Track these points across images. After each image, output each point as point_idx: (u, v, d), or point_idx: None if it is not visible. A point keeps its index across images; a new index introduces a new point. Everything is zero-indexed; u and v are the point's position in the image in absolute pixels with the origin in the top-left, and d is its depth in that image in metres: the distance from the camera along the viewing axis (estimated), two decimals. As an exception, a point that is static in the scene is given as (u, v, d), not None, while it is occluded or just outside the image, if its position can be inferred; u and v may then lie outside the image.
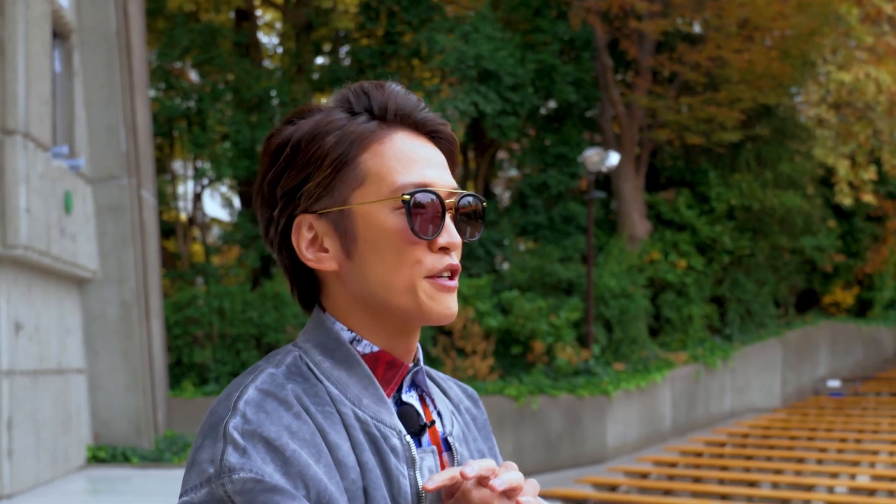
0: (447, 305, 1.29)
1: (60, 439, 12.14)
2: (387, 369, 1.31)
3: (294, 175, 1.29)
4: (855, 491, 13.61)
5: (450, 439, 1.36)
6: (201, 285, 19.14)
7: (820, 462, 15.50)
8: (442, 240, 1.28)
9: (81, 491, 11.62)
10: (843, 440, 16.88)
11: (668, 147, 22.61)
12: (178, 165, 22.44)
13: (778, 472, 14.95)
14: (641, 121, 21.45)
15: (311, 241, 1.30)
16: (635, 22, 20.19)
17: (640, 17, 20.39)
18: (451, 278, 1.29)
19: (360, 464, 1.23)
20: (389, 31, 20.40)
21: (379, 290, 1.28)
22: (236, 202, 22.93)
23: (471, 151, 23.03)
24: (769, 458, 15.90)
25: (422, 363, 1.37)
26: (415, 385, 1.36)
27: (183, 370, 17.07)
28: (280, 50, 23.81)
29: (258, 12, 24.06)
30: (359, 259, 1.28)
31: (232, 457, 1.15)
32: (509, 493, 1.23)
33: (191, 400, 16.28)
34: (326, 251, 1.29)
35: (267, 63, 23.06)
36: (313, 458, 1.18)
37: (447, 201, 1.29)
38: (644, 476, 14.71)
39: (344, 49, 22.61)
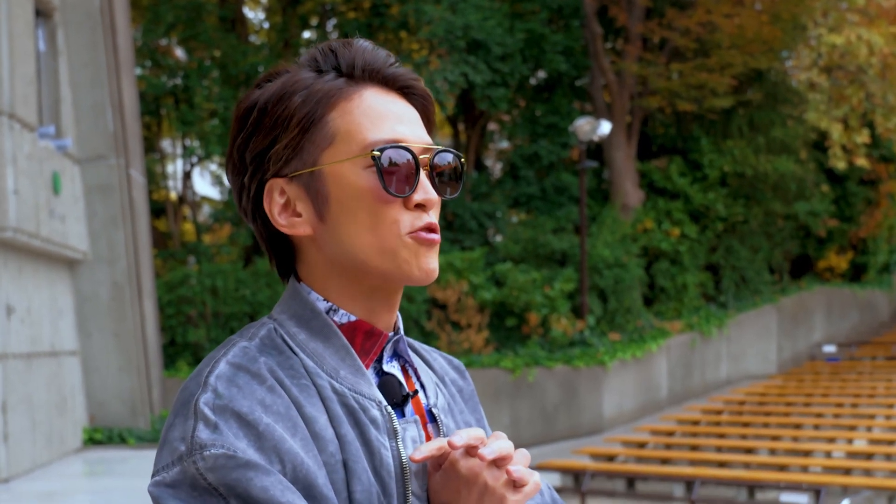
0: (428, 261, 1.24)
1: (56, 422, 12.08)
2: (365, 339, 1.27)
3: (261, 139, 1.24)
4: (852, 455, 13.63)
5: (434, 410, 1.32)
6: (193, 264, 19.04)
7: (817, 427, 15.52)
8: (417, 196, 1.23)
9: (78, 473, 11.57)
10: (839, 405, 16.90)
11: (660, 114, 22.50)
12: (166, 144, 22.28)
13: (775, 438, 14.96)
14: (632, 88, 21.32)
15: (283, 206, 1.25)
16: (624, -12, 20.05)
17: (630, -17, 20.23)
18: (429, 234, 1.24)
19: (339, 436, 1.18)
20: (376, 3, 20.21)
21: (355, 252, 1.23)
22: (226, 180, 22.79)
23: (461, 123, 22.90)
24: (766, 425, 15.91)
25: (402, 332, 1.32)
26: (397, 355, 1.32)
27: (177, 350, 17.00)
28: (266, 25, 23.60)
29: (243, -13, 23.82)
30: (332, 222, 1.23)
31: (203, 433, 1.11)
32: (498, 463, 1.19)
33: (185, 379, 16.22)
34: (299, 216, 1.25)
35: (253, 38, 22.86)
36: (289, 432, 1.13)
37: (421, 157, 1.24)
38: (641, 446, 14.71)
39: (331, 22, 22.40)
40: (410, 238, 1.22)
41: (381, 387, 1.27)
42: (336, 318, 1.26)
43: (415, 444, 1.25)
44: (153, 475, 1.15)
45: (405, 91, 1.30)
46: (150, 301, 14.86)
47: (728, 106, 21.25)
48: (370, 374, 1.27)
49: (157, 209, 20.33)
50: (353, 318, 1.26)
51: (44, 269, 12.10)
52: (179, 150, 21.33)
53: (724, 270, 22.20)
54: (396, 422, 1.24)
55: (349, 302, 1.26)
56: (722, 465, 13.14)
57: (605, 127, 18.12)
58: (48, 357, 12.03)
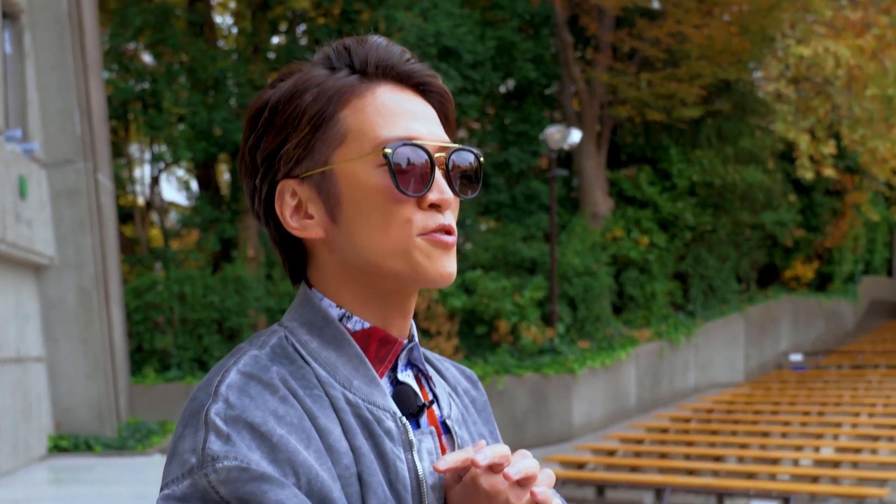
0: (444, 264, 1.19)
1: (21, 429, 11.90)
2: (380, 346, 1.22)
3: (272, 138, 1.20)
4: (819, 463, 13.70)
5: (448, 422, 1.27)
6: (160, 270, 18.89)
7: (784, 435, 15.61)
8: (432, 196, 1.18)
9: (43, 481, 11.41)
10: (806, 413, 17.01)
11: (629, 124, 22.59)
12: (133, 149, 22.11)
13: (743, 446, 15.03)
14: (602, 97, 21.40)
15: (294, 207, 1.21)
16: (595, -2, 20.12)
17: (600, -7, 20.30)
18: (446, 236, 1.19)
19: (353, 449, 1.14)
20: (346, 8, 20.18)
21: (368, 254, 1.18)
22: (194, 185, 22.62)
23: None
24: (734, 433, 15.99)
25: (416, 339, 1.28)
26: (411, 364, 1.27)
27: (144, 356, 16.85)
28: (235, 30, 23.48)
29: (213, -8, 23.69)
30: (345, 223, 1.19)
31: (215, 444, 1.06)
32: (523, 483, 1.15)
33: (153, 386, 16.07)
34: (311, 217, 1.21)
35: (222, 43, 22.73)
36: (302, 444, 1.09)
37: (437, 156, 1.19)
38: (611, 453, 14.72)
39: (301, 28, 22.33)
40: (423, 240, 1.18)
41: (395, 396, 1.22)
42: (349, 326, 1.22)
43: (431, 457, 1.21)
44: (162, 488, 1.10)
45: (421, 88, 1.25)
46: (118, 307, 14.70)
47: (697, 116, 21.38)
48: (385, 383, 1.23)
49: (125, 214, 20.16)
50: (366, 325, 1.22)
51: (10, 274, 11.94)
52: (147, 156, 21.16)
53: (692, 279, 22.31)
54: (412, 433, 1.19)
55: (362, 308, 1.22)
56: (691, 472, 13.17)
57: (576, 135, 18.16)
58: (13, 363, 11.86)
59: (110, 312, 13.91)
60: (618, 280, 20.99)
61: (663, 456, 14.53)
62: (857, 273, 28.24)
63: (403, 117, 1.20)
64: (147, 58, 21.49)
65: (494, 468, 1.15)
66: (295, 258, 1.26)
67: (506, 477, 1.13)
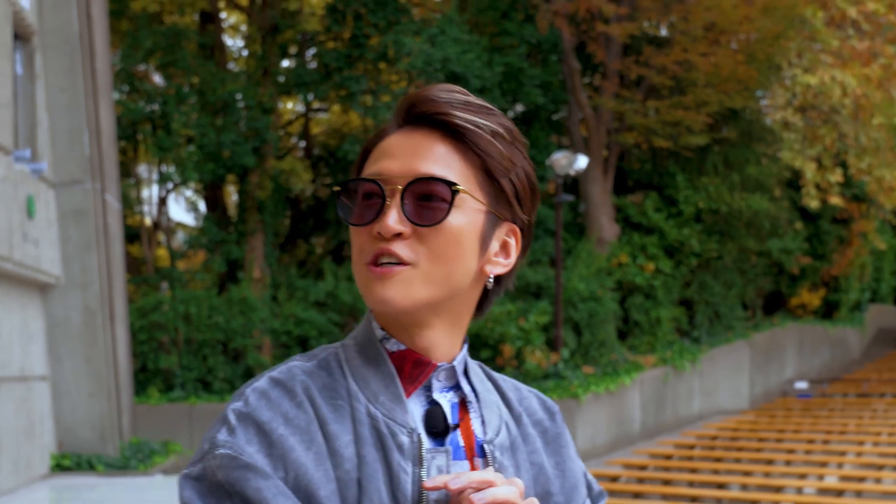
0: (376, 292, 1.25)
1: (23, 447, 11.93)
2: (413, 367, 1.31)
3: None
4: (823, 492, 13.65)
5: (486, 446, 1.32)
6: (166, 290, 18.94)
7: (788, 463, 15.55)
8: (376, 227, 1.24)
9: (45, 500, 11.43)
10: (810, 441, 16.95)
11: (636, 150, 22.64)
12: (142, 169, 22.22)
13: (747, 473, 14.98)
14: (609, 124, 21.47)
15: None
16: (602, 25, 20.21)
17: (608, 20, 20.41)
18: (381, 264, 1.24)
19: (359, 456, 1.23)
20: (356, 33, 20.28)
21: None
22: (202, 206, 22.72)
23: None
24: (738, 460, 15.93)
25: (456, 362, 1.33)
26: (455, 388, 1.34)
27: (148, 376, 16.86)
28: (245, 53, 23.64)
29: (223, 14, 23.88)
30: None
31: (221, 435, 1.22)
32: None
33: (156, 406, 16.08)
34: None
35: (232, 66, 22.88)
36: (303, 445, 1.21)
37: (389, 187, 1.25)
38: (614, 479, 14.68)
39: (310, 52, 22.47)
40: (364, 268, 1.26)
41: (426, 415, 1.30)
42: (388, 346, 1.31)
43: (440, 473, 1.27)
44: (185, 467, 1.26)
45: (449, 128, 1.28)
46: (123, 326, 14.76)
47: (703, 143, 21.42)
48: (419, 400, 1.31)
49: (132, 234, 20.24)
50: (402, 348, 1.30)
51: (15, 292, 12.00)
52: (155, 176, 21.27)
53: (697, 305, 22.29)
54: (424, 449, 1.26)
55: (394, 331, 1.31)
56: (694, 500, 13.13)
57: (582, 161, 18.21)
58: (17, 382, 11.90)
59: (115, 332, 13.96)
60: (623, 306, 20.98)
61: (667, 483, 14.48)
62: (864, 301, 28.19)
63: (383, 157, 1.28)
64: (157, 79, 21.63)
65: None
66: None
67: (469, 502, 1.18)
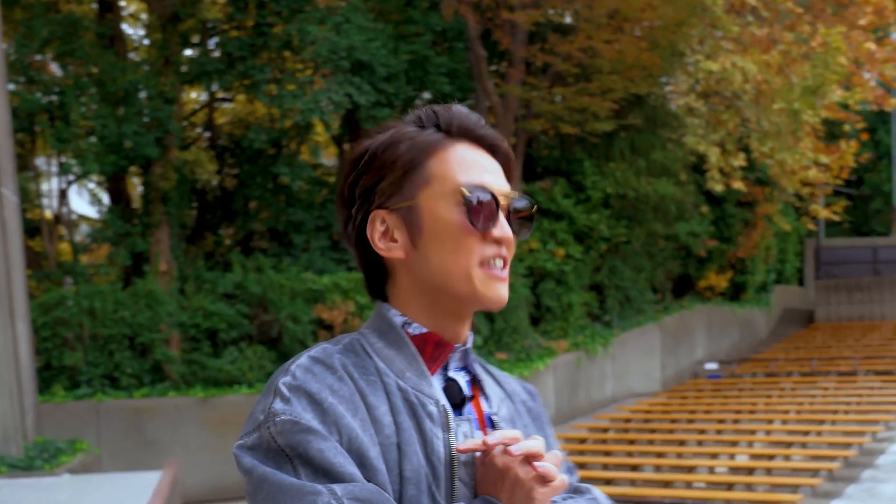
0: (497, 292, 1.47)
1: (-80, 451, 11.46)
2: (434, 348, 1.49)
3: (371, 177, 1.50)
4: (735, 470, 13.87)
5: (494, 418, 1.52)
6: (70, 285, 18.41)
7: (700, 443, 15.78)
8: (496, 232, 1.47)
9: (-56, 504, 10.99)
10: (721, 421, 17.23)
11: (544, 137, 22.73)
12: (40, 162, 21.55)
13: (660, 454, 15.15)
14: (516, 111, 21.50)
15: (383, 233, 1.50)
16: (507, 13, 20.20)
17: (512, 7, 20.41)
18: (502, 268, 1.48)
19: (396, 423, 1.39)
20: (259, 22, 19.94)
21: (439, 275, 1.46)
22: (105, 198, 22.13)
23: (346, 144, 22.75)
24: (651, 442, 16.12)
25: (469, 345, 1.54)
26: (465, 368, 1.54)
27: (52, 373, 16.39)
28: (146, 42, 23.08)
29: (122, 3, 23.29)
30: (423, 248, 1.47)
31: (277, 405, 1.35)
32: (529, 460, 1.38)
33: (62, 404, 15.65)
34: (396, 241, 1.49)
35: (133, 55, 22.33)
36: (349, 413, 1.36)
37: (501, 201, 1.48)
38: (530, 464, 14.70)
39: (213, 41, 22.02)
40: (482, 270, 1.46)
41: (445, 389, 1.49)
42: (410, 330, 1.49)
43: (465, 438, 1.45)
44: (238, 439, 1.38)
45: (492, 148, 1.55)
46: (24, 323, 14.28)
47: (610, 129, 21.59)
48: (437, 377, 1.50)
49: (32, 228, 19.63)
50: (424, 331, 1.49)
51: None
52: (55, 168, 20.65)
53: (608, 290, 22.49)
54: (451, 418, 1.44)
55: (425, 317, 1.49)
56: (608, 482, 13.23)
57: (491, 148, 18.17)
58: (-88, 382, 11.42)
59: (15, 329, 13.50)
60: (535, 291, 21.07)
61: (581, 466, 14.57)
62: (770, 282, 28.80)
63: (477, 168, 1.49)
64: (55, 69, 20.98)
65: (505, 449, 1.40)
66: (374, 277, 1.55)
67: (508, 454, 1.37)
